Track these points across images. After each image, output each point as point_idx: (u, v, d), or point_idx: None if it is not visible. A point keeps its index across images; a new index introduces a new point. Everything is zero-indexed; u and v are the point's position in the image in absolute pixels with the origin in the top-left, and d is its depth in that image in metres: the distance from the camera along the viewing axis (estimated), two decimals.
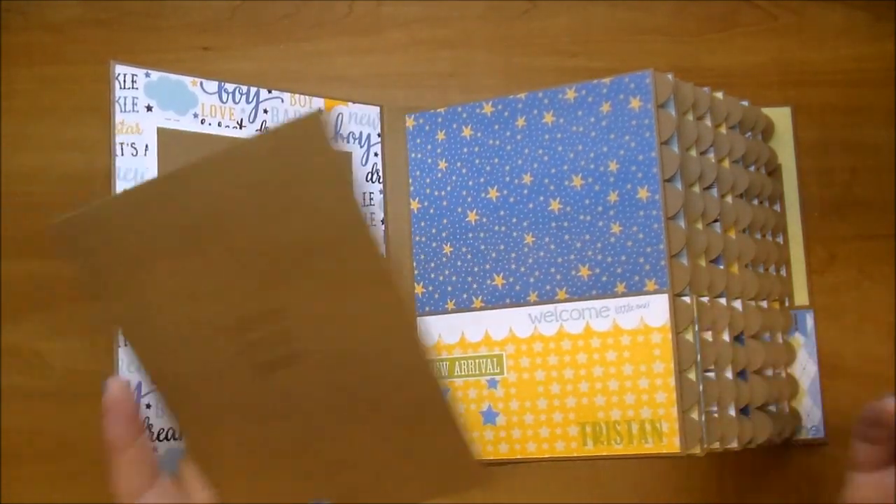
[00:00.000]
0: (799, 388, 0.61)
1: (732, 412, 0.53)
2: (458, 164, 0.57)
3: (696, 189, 0.54)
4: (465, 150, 0.57)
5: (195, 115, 0.56)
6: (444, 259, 0.57)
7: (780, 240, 0.62)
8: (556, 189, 0.54)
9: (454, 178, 0.57)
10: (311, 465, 0.38)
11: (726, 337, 0.54)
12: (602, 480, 0.60)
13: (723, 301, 0.55)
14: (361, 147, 0.59)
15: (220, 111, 0.57)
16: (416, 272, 0.57)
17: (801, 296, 0.62)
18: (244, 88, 0.58)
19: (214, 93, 0.57)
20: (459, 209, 0.57)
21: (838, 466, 0.60)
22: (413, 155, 0.58)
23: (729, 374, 0.54)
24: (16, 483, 0.57)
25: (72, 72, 0.62)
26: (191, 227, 0.35)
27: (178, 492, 0.39)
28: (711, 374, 0.53)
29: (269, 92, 0.58)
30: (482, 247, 0.56)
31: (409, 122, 0.59)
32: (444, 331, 0.56)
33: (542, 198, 0.55)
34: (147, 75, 0.55)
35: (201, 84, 0.56)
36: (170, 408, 0.37)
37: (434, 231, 0.57)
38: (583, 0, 0.65)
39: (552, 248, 0.54)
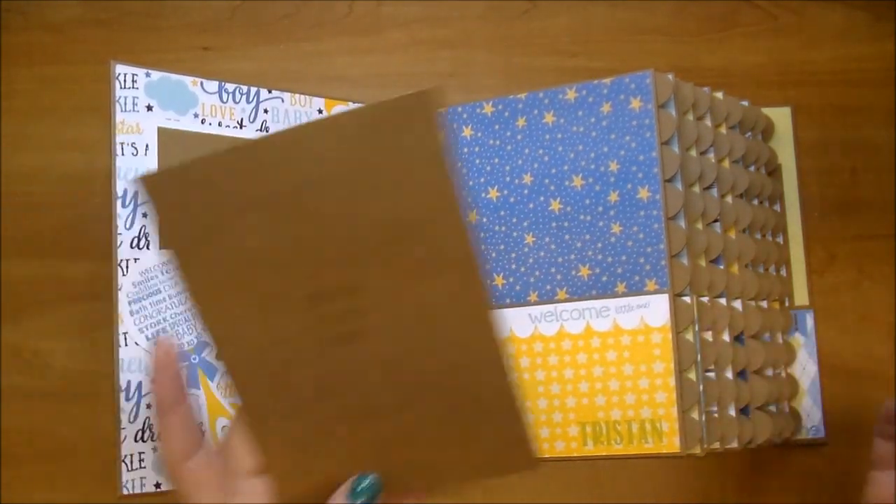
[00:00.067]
0: (799, 388, 0.61)
1: (732, 412, 0.53)
2: (459, 164, 0.57)
3: (697, 189, 0.54)
4: (466, 150, 0.57)
5: (195, 115, 0.56)
6: None
7: (780, 240, 0.62)
8: (556, 189, 0.54)
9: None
10: (364, 441, 0.38)
11: (726, 337, 0.54)
12: (602, 480, 0.60)
13: (723, 301, 0.55)
14: None
15: (220, 111, 0.57)
16: None
17: (801, 296, 0.62)
18: (244, 88, 0.58)
19: (215, 93, 0.57)
20: None
21: (838, 466, 0.60)
22: None
23: (729, 374, 0.54)
24: (16, 483, 0.57)
25: (72, 72, 0.62)
26: (279, 194, 0.34)
27: (223, 458, 0.39)
28: (711, 374, 0.53)
29: (270, 92, 0.58)
30: (482, 247, 0.56)
31: None
32: None
33: (542, 198, 0.55)
34: (147, 75, 0.55)
35: (201, 84, 0.56)
36: (229, 371, 0.37)
37: None
38: (583, 0, 0.65)
39: (552, 248, 0.54)
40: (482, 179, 0.56)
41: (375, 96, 0.59)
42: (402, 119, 0.33)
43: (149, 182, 0.35)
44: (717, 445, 0.52)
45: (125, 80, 0.54)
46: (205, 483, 0.39)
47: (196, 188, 0.35)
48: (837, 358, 0.61)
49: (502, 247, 0.55)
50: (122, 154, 0.54)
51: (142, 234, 0.53)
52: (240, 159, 0.34)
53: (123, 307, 0.53)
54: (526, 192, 0.55)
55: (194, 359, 0.54)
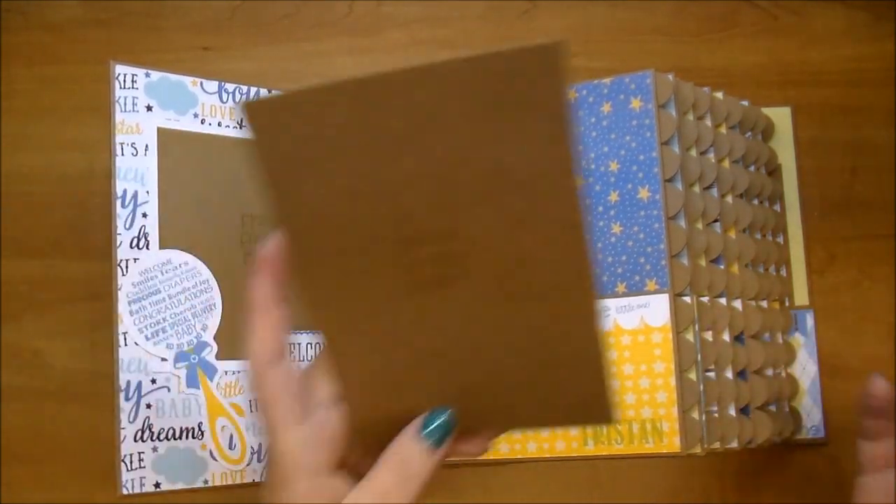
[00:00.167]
0: (799, 388, 0.61)
1: (732, 412, 0.53)
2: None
3: (697, 189, 0.54)
4: None
5: (195, 115, 0.56)
6: None
7: (780, 240, 0.62)
8: None
9: None
10: (444, 380, 0.38)
11: (726, 337, 0.54)
12: (602, 480, 0.60)
13: (723, 301, 0.55)
14: None
15: (220, 111, 0.57)
16: None
17: (801, 296, 0.62)
18: (244, 88, 0.58)
19: (214, 93, 0.57)
20: None
21: (838, 466, 0.60)
22: None
23: (729, 374, 0.54)
24: (16, 483, 0.57)
25: (72, 72, 0.62)
26: (386, 131, 0.33)
27: (302, 381, 0.38)
28: (712, 374, 0.53)
29: (269, 92, 0.58)
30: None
31: None
32: None
33: None
34: (147, 75, 0.55)
35: (201, 84, 0.56)
36: (312, 306, 0.36)
37: None
38: (583, 0, 0.65)
39: None
40: None
41: None
42: (528, 70, 0.31)
43: (250, 109, 0.33)
44: (717, 445, 0.52)
45: (125, 81, 0.54)
46: (284, 394, 0.37)
47: (299, 119, 0.33)
48: (837, 358, 0.61)
49: None
50: (122, 154, 0.54)
51: (141, 234, 0.53)
52: (349, 94, 0.33)
53: (123, 307, 0.53)
54: None
55: (194, 359, 0.54)
